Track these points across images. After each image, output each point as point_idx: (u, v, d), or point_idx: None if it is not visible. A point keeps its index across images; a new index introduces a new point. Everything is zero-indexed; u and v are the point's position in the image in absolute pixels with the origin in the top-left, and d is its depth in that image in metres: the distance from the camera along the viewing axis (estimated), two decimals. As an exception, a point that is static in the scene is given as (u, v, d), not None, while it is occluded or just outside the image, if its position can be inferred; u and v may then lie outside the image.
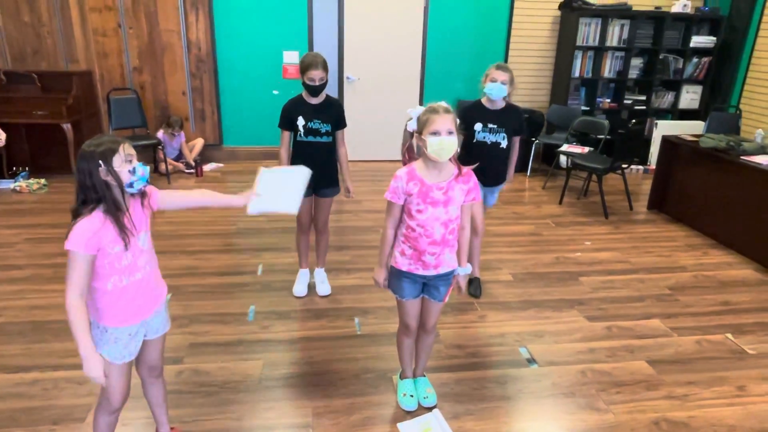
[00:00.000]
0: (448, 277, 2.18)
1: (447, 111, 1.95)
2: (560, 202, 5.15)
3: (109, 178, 1.60)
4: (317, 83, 2.87)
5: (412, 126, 2.01)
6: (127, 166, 1.61)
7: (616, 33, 6.00)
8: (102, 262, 1.64)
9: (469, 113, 3.11)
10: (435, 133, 1.92)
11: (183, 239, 4.06)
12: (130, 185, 1.64)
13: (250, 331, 2.92)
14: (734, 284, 3.64)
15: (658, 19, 5.99)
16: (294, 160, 3.07)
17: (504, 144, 3.12)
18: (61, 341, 2.75)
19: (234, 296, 3.28)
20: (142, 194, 1.74)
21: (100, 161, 1.58)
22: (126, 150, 1.62)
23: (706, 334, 3.02)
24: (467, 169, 2.07)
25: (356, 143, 6.21)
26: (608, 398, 2.46)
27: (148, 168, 1.69)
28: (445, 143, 1.92)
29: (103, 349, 1.74)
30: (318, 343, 2.83)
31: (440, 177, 2.01)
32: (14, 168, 5.30)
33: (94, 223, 1.59)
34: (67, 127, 5.15)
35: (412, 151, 2.07)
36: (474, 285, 3.38)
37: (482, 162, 2.90)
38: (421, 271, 2.11)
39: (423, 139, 1.95)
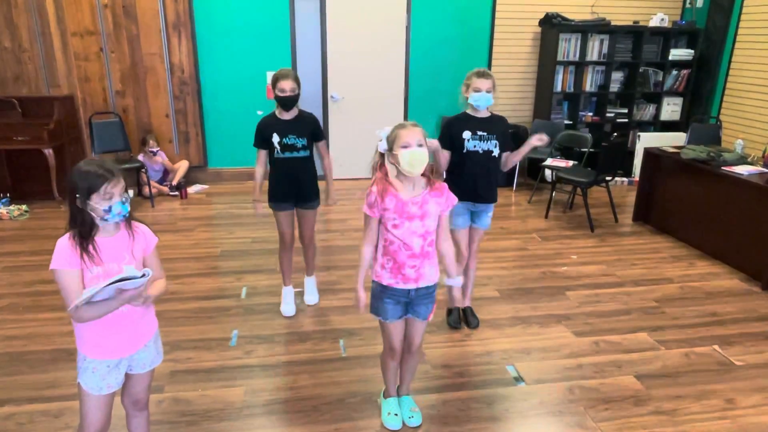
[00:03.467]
0: (430, 293, 2.17)
1: (415, 125, 2.00)
2: (546, 216, 5.16)
3: (85, 208, 1.61)
4: (287, 93, 2.88)
5: (383, 147, 2.04)
6: (104, 204, 1.60)
7: (596, 47, 6.07)
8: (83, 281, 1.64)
9: (455, 124, 2.92)
10: (405, 146, 1.95)
11: (166, 263, 3.96)
12: (104, 219, 1.64)
13: (233, 356, 2.87)
14: (720, 295, 3.64)
15: (637, 33, 6.08)
16: (273, 177, 3.06)
17: (496, 152, 2.89)
18: (37, 373, 2.68)
19: (217, 321, 3.22)
20: (128, 225, 1.72)
21: (78, 195, 1.59)
22: (108, 189, 1.59)
23: (694, 347, 3.01)
24: (439, 182, 2.09)
25: (342, 161, 6.22)
26: (596, 415, 2.43)
27: (127, 206, 1.65)
28: (416, 154, 1.95)
29: (82, 378, 1.74)
30: (302, 367, 2.78)
31: (414, 191, 2.03)
32: (-5, 195, 5.23)
33: (68, 240, 1.63)
34: (48, 152, 5.10)
35: (382, 169, 2.07)
36: (468, 314, 3.23)
37: (475, 175, 2.86)
38: (402, 285, 2.10)
39: (394, 155, 1.99)
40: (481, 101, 2.86)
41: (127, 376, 1.83)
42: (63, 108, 5.37)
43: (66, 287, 1.61)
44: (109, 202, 1.60)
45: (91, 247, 1.63)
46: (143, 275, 1.59)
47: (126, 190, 1.67)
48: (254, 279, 3.77)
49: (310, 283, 3.38)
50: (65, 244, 1.62)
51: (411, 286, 2.10)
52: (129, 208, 1.67)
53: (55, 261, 1.61)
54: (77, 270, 1.61)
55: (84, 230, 1.62)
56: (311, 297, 3.34)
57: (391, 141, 2.00)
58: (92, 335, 1.70)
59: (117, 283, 1.56)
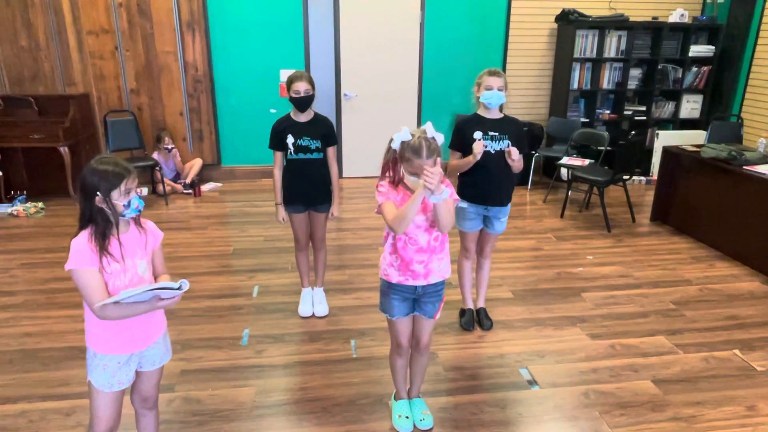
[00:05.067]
0: (438, 291, 2.16)
1: (430, 154, 1.91)
2: (561, 216, 5.08)
3: (105, 206, 1.63)
4: (302, 95, 2.89)
5: (396, 145, 2.00)
6: (123, 199, 1.63)
7: (613, 44, 5.97)
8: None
9: (467, 125, 2.87)
10: (414, 174, 1.95)
11: (178, 261, 4.01)
12: (122, 215, 1.66)
13: (244, 355, 2.85)
14: (741, 297, 3.54)
15: (656, 29, 5.96)
16: (286, 178, 3.05)
17: None
18: (50, 370, 2.69)
19: (228, 320, 3.21)
20: (137, 222, 1.75)
21: (98, 193, 1.61)
22: (127, 184, 1.63)
23: (713, 351, 2.93)
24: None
25: (354, 159, 6.21)
26: (612, 421, 2.38)
27: (142, 201, 1.70)
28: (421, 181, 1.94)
29: (92, 375, 1.74)
30: (313, 367, 2.76)
31: (418, 184, 1.98)
32: (12, 192, 5.29)
33: (86, 239, 1.63)
34: (64, 150, 5.14)
35: (393, 164, 2.04)
36: (482, 316, 3.17)
37: (487, 176, 2.82)
38: (411, 282, 2.09)
39: (403, 170, 2.00)
40: (492, 99, 2.81)
41: (137, 373, 1.83)
42: (78, 106, 5.41)
43: (87, 286, 1.60)
44: (127, 197, 1.63)
45: (110, 245, 1.64)
46: (179, 287, 1.61)
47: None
48: (266, 278, 3.76)
49: (319, 294, 3.33)
50: (83, 244, 1.62)
51: (420, 282, 2.10)
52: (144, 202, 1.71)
53: (73, 261, 1.60)
54: (96, 268, 1.62)
55: (106, 228, 1.64)
56: (321, 308, 3.28)
57: (405, 157, 1.95)
58: (103, 331, 1.71)
59: (154, 291, 1.59)
